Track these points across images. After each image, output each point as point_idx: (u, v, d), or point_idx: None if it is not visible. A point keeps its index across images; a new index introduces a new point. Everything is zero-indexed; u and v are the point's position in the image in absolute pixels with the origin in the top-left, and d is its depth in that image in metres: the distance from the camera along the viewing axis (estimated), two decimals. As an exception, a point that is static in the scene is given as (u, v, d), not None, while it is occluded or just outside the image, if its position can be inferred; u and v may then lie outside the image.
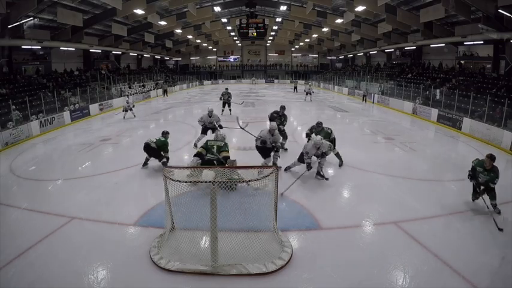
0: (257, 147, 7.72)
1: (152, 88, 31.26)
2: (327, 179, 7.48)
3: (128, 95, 24.09)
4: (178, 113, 18.42)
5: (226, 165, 6.57)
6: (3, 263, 4.44)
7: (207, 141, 7.25)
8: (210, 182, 4.20)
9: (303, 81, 46.50)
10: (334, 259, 4.52)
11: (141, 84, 29.83)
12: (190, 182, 4.46)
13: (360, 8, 18.95)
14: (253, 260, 4.30)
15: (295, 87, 34.31)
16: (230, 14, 33.74)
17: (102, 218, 5.73)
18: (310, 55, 50.27)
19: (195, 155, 7.05)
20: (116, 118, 17.08)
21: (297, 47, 46.91)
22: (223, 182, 4.41)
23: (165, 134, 8.37)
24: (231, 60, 51.52)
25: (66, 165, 9.07)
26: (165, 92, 30.77)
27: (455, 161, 9.41)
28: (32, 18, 16.13)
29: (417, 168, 8.74)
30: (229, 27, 37.17)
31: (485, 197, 6.02)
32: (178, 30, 29.57)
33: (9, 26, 14.79)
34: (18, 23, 14.98)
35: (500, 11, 13.40)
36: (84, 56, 26.48)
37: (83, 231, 5.36)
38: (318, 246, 4.83)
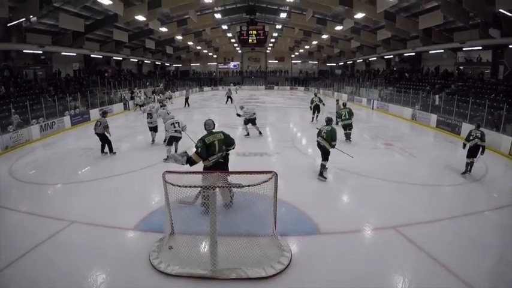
0: None
1: (151, 96, 28.79)
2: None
3: (138, 95, 24.34)
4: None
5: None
6: (2, 266, 4.44)
7: (202, 140, 5.60)
8: (209, 187, 4.22)
9: (303, 88, 46.56)
10: (333, 264, 4.53)
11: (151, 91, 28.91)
12: (190, 186, 4.45)
13: (359, 15, 19.10)
14: (252, 264, 4.29)
15: (229, 97, 26.76)
16: (230, 21, 33.95)
17: (102, 222, 5.73)
18: (310, 62, 50.50)
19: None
20: (117, 123, 17.16)
21: (296, 53, 47.11)
22: (223, 187, 4.41)
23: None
24: (231, 66, 51.73)
25: (66, 170, 9.07)
26: (186, 101, 25.83)
27: (455, 166, 9.41)
28: (34, 17, 16.25)
29: (416, 173, 8.77)
30: (229, 34, 37.38)
31: None
32: (179, 37, 29.75)
33: (9, 25, 14.87)
34: (18, 21, 15.01)
35: (500, 10, 13.38)
36: (85, 62, 26.59)
37: (82, 235, 5.36)
38: (317, 251, 4.83)
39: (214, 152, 5.64)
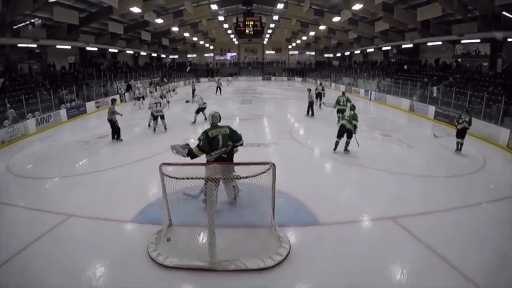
0: None
1: (152, 89, 24.60)
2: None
3: (137, 87, 23.35)
4: (175, 110, 18.34)
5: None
6: (1, 261, 4.42)
7: (206, 133, 5.42)
8: (207, 178, 4.21)
9: (300, 79, 46.35)
10: (332, 254, 4.53)
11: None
12: (187, 178, 4.42)
13: (357, 7, 18.94)
14: (251, 256, 4.29)
15: (219, 88, 27.03)
16: (227, 12, 33.67)
17: (100, 215, 5.71)
18: (307, 53, 50.19)
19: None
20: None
21: (294, 44, 46.79)
22: (222, 179, 4.40)
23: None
24: (228, 58, 51.45)
25: (63, 163, 9.03)
26: (193, 92, 23.88)
27: (452, 157, 9.46)
28: (37, 19, 16.13)
29: (414, 164, 8.79)
30: (226, 25, 37.11)
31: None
32: (175, 28, 29.45)
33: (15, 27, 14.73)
34: (22, 24, 14.89)
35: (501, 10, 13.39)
36: (80, 55, 26.32)
37: (80, 228, 5.35)
38: (315, 242, 4.84)
39: (217, 146, 5.42)
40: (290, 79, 47.73)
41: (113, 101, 11.63)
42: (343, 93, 14.06)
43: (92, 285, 4.01)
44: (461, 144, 9.66)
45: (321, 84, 19.18)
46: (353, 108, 9.54)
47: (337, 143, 9.43)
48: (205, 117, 13.85)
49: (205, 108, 14.18)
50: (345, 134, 9.26)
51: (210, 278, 4.07)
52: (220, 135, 5.43)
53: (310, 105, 15.77)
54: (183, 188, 4.63)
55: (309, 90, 16.06)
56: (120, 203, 6.21)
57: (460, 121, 9.59)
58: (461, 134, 9.59)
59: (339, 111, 13.44)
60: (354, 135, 9.20)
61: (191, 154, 5.30)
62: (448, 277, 4.10)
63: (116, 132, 11.10)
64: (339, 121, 12.99)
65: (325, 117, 15.74)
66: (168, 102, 18.60)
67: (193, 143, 5.43)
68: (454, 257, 4.41)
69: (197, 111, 14.20)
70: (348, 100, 13.16)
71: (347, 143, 9.34)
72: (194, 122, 14.19)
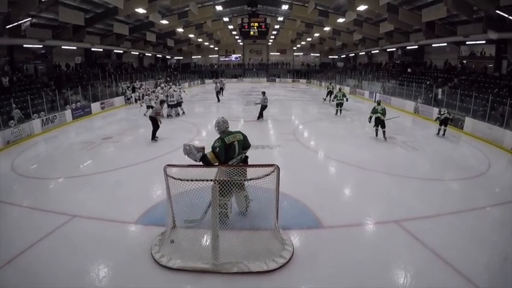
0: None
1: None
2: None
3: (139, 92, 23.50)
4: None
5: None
6: (4, 261, 4.45)
7: (222, 139, 5.09)
8: (212, 180, 4.21)
9: (305, 81, 46.27)
10: (336, 257, 4.52)
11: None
12: (192, 180, 4.41)
13: (361, 8, 18.89)
14: (254, 258, 4.30)
15: (221, 89, 26.36)
16: (232, 13, 33.69)
17: (104, 216, 5.74)
18: (311, 54, 50.15)
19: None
20: (118, 117, 17.22)
21: (298, 46, 46.80)
22: (227, 182, 4.45)
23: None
24: (233, 59, 51.48)
25: (68, 164, 9.07)
26: (217, 95, 24.39)
27: (457, 160, 9.40)
28: (30, 18, 16.14)
29: (419, 167, 8.73)
30: (231, 26, 37.12)
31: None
32: (180, 29, 29.57)
33: (7, 26, 14.76)
34: (17, 23, 14.92)
35: (497, 11, 13.36)
36: (85, 55, 26.47)
37: (84, 229, 5.37)
38: (319, 245, 4.83)
39: (234, 154, 5.10)
40: (295, 80, 47.64)
41: (162, 102, 12.53)
42: (340, 89, 17.79)
43: (95, 285, 4.03)
44: (445, 130, 12.02)
45: (331, 83, 25.79)
46: (380, 102, 11.90)
47: (376, 130, 11.50)
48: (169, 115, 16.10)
49: (175, 106, 16.52)
50: (379, 125, 11.25)
51: (213, 280, 4.07)
52: (236, 141, 5.14)
53: (263, 109, 15.18)
54: (185, 215, 4.78)
55: (263, 93, 15.20)
56: (124, 204, 6.24)
57: (441, 113, 12.03)
58: (444, 122, 11.94)
59: (337, 104, 16.66)
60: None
61: (205, 160, 4.91)
62: (452, 281, 4.07)
63: (152, 130, 11.21)
64: (336, 113, 16.64)
65: (329, 119, 15.74)
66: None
67: (198, 144, 5.35)
68: (458, 261, 4.38)
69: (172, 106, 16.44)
70: (343, 95, 16.76)
71: (383, 132, 11.25)
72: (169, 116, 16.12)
